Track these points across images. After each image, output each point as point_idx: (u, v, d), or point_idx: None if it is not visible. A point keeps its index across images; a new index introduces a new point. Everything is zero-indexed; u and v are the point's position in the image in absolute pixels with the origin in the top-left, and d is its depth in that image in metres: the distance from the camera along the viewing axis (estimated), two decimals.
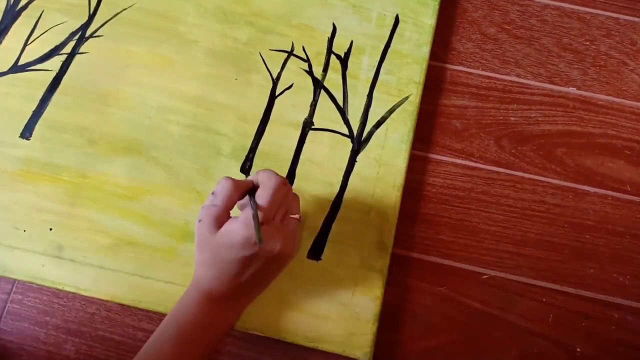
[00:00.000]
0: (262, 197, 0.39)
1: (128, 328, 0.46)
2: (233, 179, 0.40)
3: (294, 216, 0.42)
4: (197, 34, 0.54)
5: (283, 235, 0.40)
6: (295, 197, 0.43)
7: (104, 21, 0.54)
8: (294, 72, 0.53)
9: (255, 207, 0.38)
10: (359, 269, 0.47)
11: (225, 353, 0.46)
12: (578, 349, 0.47)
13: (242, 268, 0.39)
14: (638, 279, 0.49)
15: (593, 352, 0.47)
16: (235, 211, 0.40)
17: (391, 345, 0.46)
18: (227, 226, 0.38)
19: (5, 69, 0.52)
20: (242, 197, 0.40)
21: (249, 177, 0.42)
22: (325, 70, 0.53)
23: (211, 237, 0.38)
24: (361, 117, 0.52)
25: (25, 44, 0.53)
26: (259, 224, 0.37)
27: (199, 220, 0.39)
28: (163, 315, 0.45)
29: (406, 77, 0.53)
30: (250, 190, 0.40)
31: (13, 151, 0.49)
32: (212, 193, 0.40)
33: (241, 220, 0.38)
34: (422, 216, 0.50)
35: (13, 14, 0.54)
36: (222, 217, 0.39)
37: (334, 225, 0.48)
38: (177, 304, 0.41)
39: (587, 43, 0.58)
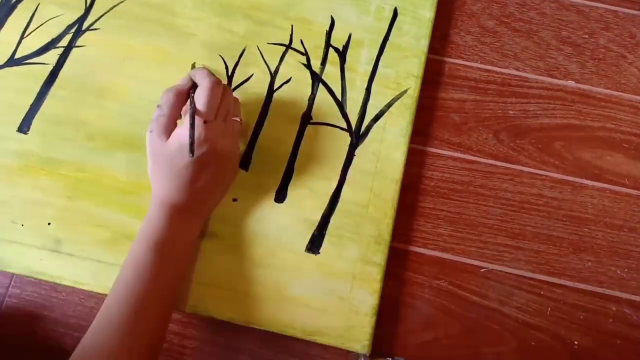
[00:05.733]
0: (200, 97, 0.41)
1: None
2: (174, 87, 0.42)
3: (235, 118, 0.45)
4: (195, 27, 0.54)
5: (225, 133, 0.42)
6: (237, 101, 0.47)
7: (100, 14, 0.54)
8: (292, 65, 0.53)
9: (193, 106, 0.40)
10: (357, 262, 0.47)
11: (224, 346, 0.46)
12: (575, 342, 0.47)
13: (194, 172, 0.41)
14: (635, 272, 0.49)
15: (590, 345, 0.47)
16: None
17: (390, 338, 0.47)
18: (174, 133, 0.41)
19: (2, 63, 0.51)
20: (185, 103, 0.42)
21: (184, 78, 0.44)
22: (323, 63, 0.53)
23: (163, 146, 0.41)
24: (360, 110, 0.51)
25: (22, 37, 0.52)
26: (194, 122, 0.39)
27: (150, 131, 0.42)
28: None
29: (405, 70, 0.53)
30: (191, 91, 0.42)
31: (11, 145, 0.49)
32: (158, 106, 0.42)
33: (185, 125, 0.40)
34: (420, 210, 0.50)
35: (9, 6, 0.54)
36: (169, 126, 0.41)
37: (332, 219, 0.48)
38: (143, 226, 0.42)
39: (586, 36, 0.57)
